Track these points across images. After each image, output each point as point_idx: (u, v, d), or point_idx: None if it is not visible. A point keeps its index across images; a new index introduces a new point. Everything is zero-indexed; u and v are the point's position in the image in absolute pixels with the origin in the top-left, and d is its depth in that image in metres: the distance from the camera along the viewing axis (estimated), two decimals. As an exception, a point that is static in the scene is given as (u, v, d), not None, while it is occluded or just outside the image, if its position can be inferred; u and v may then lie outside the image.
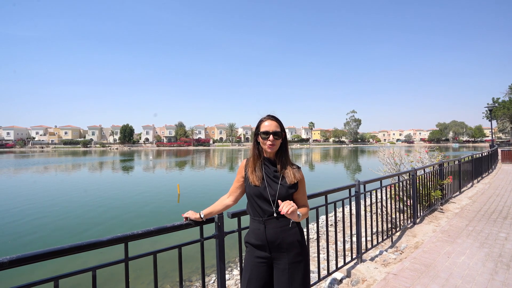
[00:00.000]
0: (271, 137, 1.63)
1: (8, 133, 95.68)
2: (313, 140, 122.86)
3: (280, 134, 1.65)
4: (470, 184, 8.43)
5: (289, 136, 1.77)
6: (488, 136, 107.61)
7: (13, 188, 16.56)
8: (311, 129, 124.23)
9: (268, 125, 1.65)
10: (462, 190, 7.51)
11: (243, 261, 1.76)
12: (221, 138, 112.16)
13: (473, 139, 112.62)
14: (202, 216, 1.85)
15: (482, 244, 3.85)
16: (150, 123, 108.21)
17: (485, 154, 10.82)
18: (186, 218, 1.88)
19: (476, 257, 3.46)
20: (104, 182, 19.12)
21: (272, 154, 1.70)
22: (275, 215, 1.61)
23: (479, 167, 9.54)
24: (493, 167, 12.70)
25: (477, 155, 9.34)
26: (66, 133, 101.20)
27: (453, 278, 2.93)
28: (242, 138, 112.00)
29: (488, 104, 18.65)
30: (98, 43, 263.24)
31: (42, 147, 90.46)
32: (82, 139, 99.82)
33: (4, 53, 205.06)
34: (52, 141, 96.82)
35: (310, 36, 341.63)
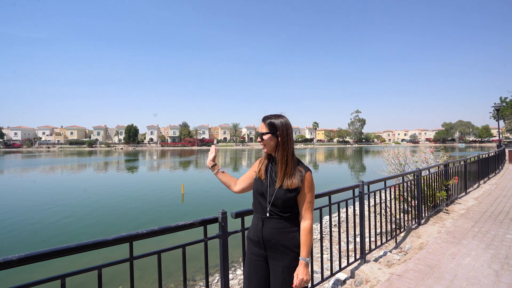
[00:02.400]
0: (259, 138, 1.71)
1: (15, 133, 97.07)
2: (317, 140, 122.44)
3: (268, 133, 1.66)
4: (476, 184, 8.33)
5: (288, 135, 1.75)
6: (495, 136, 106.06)
7: (21, 189, 16.80)
8: (315, 129, 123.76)
9: (259, 127, 1.73)
10: (468, 191, 7.43)
11: (245, 257, 1.81)
12: (225, 138, 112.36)
13: (480, 139, 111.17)
14: (219, 171, 1.87)
15: (488, 246, 3.81)
16: (155, 123, 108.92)
17: (492, 154, 10.67)
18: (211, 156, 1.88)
19: (481, 258, 3.42)
20: (108, 182, 19.29)
21: (276, 154, 1.69)
22: (267, 215, 1.62)
23: (486, 167, 9.41)
24: (500, 167, 12.52)
25: (484, 155, 9.23)
26: (72, 133, 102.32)
27: (458, 280, 2.90)
28: (246, 138, 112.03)
29: (495, 103, 18.35)
30: (103, 44, 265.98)
31: (49, 147, 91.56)
32: (88, 139, 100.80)
33: (11, 54, 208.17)
34: (58, 141, 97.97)
35: (315, 36, 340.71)
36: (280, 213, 1.61)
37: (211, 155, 1.88)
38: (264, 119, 1.70)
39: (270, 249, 1.63)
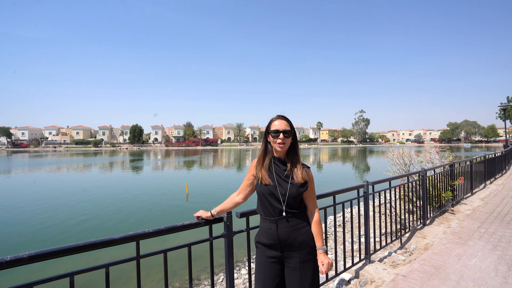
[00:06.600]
0: (281, 135, 1.66)
1: (23, 133, 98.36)
2: (321, 140, 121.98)
3: (290, 132, 1.68)
4: (483, 185, 8.24)
5: (297, 136, 1.78)
6: (502, 136, 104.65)
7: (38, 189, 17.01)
8: (319, 129, 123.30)
9: (278, 124, 1.69)
10: (474, 191, 7.35)
11: (255, 262, 1.77)
12: (229, 138, 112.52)
13: (486, 139, 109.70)
14: (214, 213, 1.89)
15: (494, 247, 3.77)
16: (159, 123, 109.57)
17: (499, 154, 10.53)
18: (198, 217, 1.92)
19: (488, 259, 3.39)
20: (113, 182, 19.46)
21: (283, 153, 1.72)
22: (284, 214, 1.63)
23: (492, 167, 9.30)
24: (507, 168, 12.35)
25: (490, 156, 9.11)
26: (77, 133, 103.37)
27: (464, 281, 2.88)
28: (250, 138, 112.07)
29: (501, 103, 18.10)
30: (107, 45, 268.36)
31: (55, 147, 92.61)
32: (93, 139, 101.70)
33: (16, 55, 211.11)
34: (64, 141, 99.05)
35: (318, 35, 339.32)
36: (292, 210, 1.65)
37: (204, 214, 1.90)
38: (285, 118, 1.71)
39: (286, 248, 1.64)
